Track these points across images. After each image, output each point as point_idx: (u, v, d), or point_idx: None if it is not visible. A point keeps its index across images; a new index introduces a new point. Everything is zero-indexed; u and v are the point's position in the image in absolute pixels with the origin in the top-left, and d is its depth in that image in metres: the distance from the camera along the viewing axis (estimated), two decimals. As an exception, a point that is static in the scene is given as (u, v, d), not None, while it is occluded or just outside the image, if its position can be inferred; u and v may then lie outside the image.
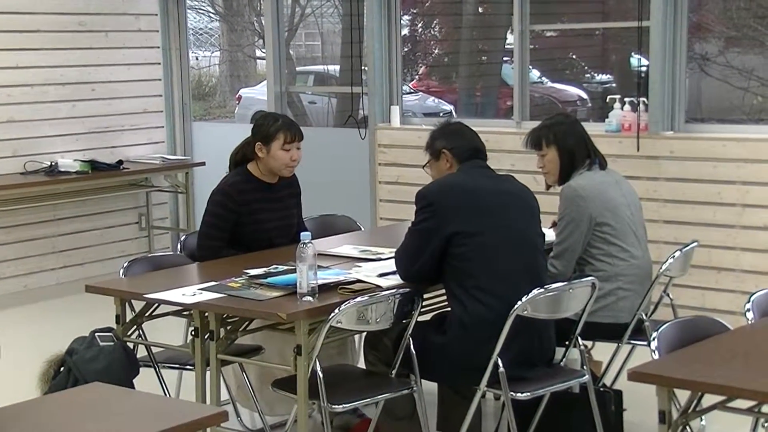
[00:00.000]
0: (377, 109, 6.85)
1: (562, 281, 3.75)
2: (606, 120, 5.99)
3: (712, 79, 6.75)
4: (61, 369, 3.69)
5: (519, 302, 3.56)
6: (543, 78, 8.40)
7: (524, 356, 3.69)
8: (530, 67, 6.59)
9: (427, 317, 3.99)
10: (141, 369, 3.83)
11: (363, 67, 7.03)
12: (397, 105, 6.86)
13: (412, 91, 8.57)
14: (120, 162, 7.08)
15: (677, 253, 4.21)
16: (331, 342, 3.76)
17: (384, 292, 3.60)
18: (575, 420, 3.92)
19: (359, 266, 4.02)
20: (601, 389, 4.02)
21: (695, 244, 4.42)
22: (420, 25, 8.83)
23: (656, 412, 2.89)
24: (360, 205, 6.82)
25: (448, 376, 3.81)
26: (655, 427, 2.95)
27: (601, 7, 8.06)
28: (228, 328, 3.74)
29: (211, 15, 10.44)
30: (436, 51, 9.25)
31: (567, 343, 3.87)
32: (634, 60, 6.74)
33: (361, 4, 6.97)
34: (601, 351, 4.35)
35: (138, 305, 3.94)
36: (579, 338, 3.88)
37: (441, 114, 8.21)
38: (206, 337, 3.70)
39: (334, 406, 3.53)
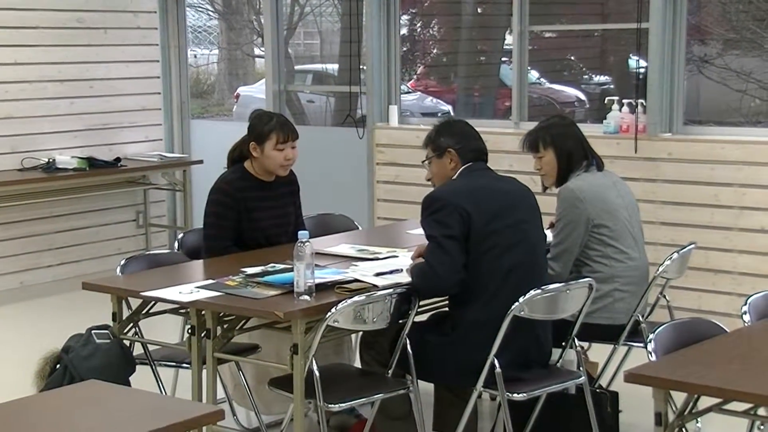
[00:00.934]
0: (375, 108, 6.85)
1: (559, 282, 3.75)
2: (604, 121, 5.99)
3: (711, 82, 6.74)
4: (58, 366, 3.69)
5: (516, 303, 3.56)
6: (541, 79, 8.39)
7: (522, 357, 3.69)
8: (529, 67, 6.59)
9: (424, 317, 4.00)
10: (137, 367, 3.83)
11: (361, 67, 7.03)
12: (396, 105, 6.86)
13: (410, 90, 8.56)
14: (118, 159, 7.07)
15: (674, 255, 4.22)
16: (327, 341, 3.76)
17: (381, 292, 3.60)
18: (571, 421, 3.92)
19: (356, 265, 4.02)
20: (598, 390, 4.02)
21: (692, 246, 4.42)
22: (419, 24, 8.82)
23: (652, 414, 2.89)
24: (358, 204, 6.81)
25: (445, 377, 3.81)
26: (650, 428, 2.95)
27: (600, 8, 8.06)
28: (225, 326, 3.74)
29: (210, 13, 10.43)
30: (435, 51, 9.25)
31: (563, 344, 3.87)
32: (633, 61, 6.74)
33: (360, 4, 6.97)
34: (598, 352, 4.35)
35: (135, 303, 3.93)
36: (575, 339, 3.88)
37: (439, 114, 8.20)
38: (203, 335, 3.70)
39: (330, 406, 3.53)
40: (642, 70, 5.96)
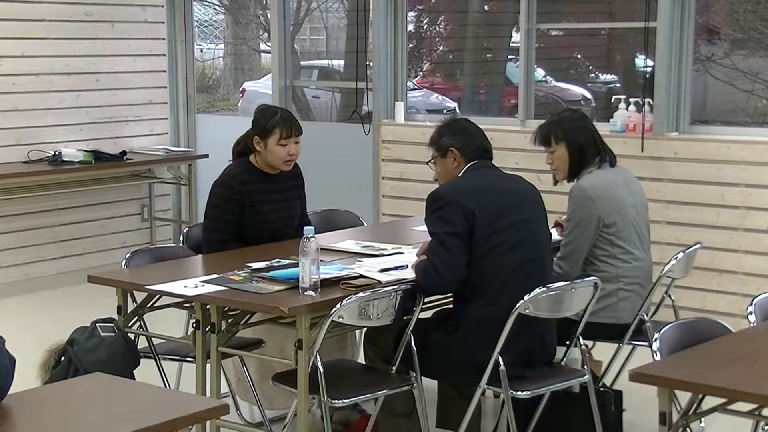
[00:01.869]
0: (381, 104, 6.85)
1: (567, 281, 3.74)
2: (611, 120, 5.99)
3: (718, 81, 6.73)
4: (62, 359, 3.69)
5: (521, 301, 3.56)
6: (547, 77, 8.38)
7: (526, 355, 3.69)
8: (535, 65, 6.58)
9: (429, 314, 3.99)
10: (141, 360, 3.83)
11: (368, 63, 7.02)
12: (402, 101, 6.85)
13: (416, 87, 8.55)
14: (123, 153, 7.07)
15: (680, 255, 4.20)
16: (331, 337, 3.76)
17: (386, 288, 3.60)
18: (575, 419, 3.92)
19: (361, 261, 4.02)
20: (601, 389, 4.02)
21: (698, 245, 4.41)
22: (425, 21, 8.82)
23: (656, 413, 2.89)
24: (363, 200, 6.81)
25: (449, 374, 3.81)
26: (654, 427, 2.95)
27: (607, 7, 8.05)
28: (229, 321, 3.74)
29: (216, 7, 10.42)
30: (441, 48, 9.24)
31: (568, 342, 3.87)
32: (640, 60, 6.73)
33: (366, 0, 6.96)
34: (602, 351, 4.35)
35: (140, 296, 3.94)
36: (580, 338, 3.88)
37: (444, 111, 8.20)
38: (207, 329, 3.70)
39: (334, 401, 3.53)
40: (649, 69, 5.95)
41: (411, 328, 3.69)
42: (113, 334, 3.71)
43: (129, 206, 7.45)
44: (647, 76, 5.99)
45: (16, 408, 2.51)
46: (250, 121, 4.45)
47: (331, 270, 3.79)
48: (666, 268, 4.15)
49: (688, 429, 3.00)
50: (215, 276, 3.78)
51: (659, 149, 5.77)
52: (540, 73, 7.79)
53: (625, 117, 5.91)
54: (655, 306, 4.35)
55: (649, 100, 5.83)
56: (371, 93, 6.95)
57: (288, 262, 3.90)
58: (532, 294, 3.57)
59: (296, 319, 3.49)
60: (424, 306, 3.76)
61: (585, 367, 3.85)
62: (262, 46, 10.25)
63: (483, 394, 3.75)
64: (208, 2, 10.23)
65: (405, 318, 3.69)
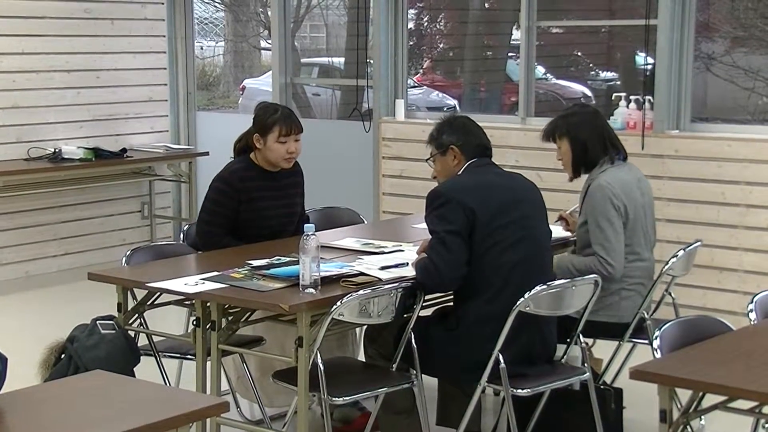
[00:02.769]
0: (382, 102, 6.85)
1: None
2: (611, 118, 5.98)
3: (718, 79, 6.73)
4: (62, 356, 3.69)
5: (522, 298, 3.55)
6: (548, 74, 8.38)
7: (526, 353, 3.68)
8: (535, 63, 6.58)
9: (429, 312, 3.99)
10: (142, 357, 3.82)
11: (368, 60, 7.02)
12: (402, 98, 6.85)
13: (416, 85, 8.55)
14: (124, 150, 7.07)
15: (680, 253, 4.20)
16: (331, 334, 3.76)
17: (386, 286, 3.60)
18: (575, 417, 3.92)
19: (362, 259, 4.02)
20: (602, 387, 4.01)
21: (698, 243, 4.41)
22: (426, 19, 8.81)
23: (656, 411, 2.89)
24: (363, 198, 6.81)
25: (449, 372, 3.80)
26: (654, 425, 2.95)
27: (608, 4, 8.04)
28: (229, 318, 3.74)
29: (216, 5, 10.42)
30: (442, 45, 9.24)
31: (568, 340, 3.87)
32: (640, 58, 6.73)
33: (367, -3, 6.96)
34: (602, 349, 4.35)
35: (140, 294, 3.94)
36: (580, 336, 3.88)
37: (445, 108, 8.19)
38: (207, 327, 3.70)
39: (334, 399, 3.53)
40: (649, 67, 5.94)
41: (411, 326, 3.69)
42: (113, 331, 3.70)
43: (129, 204, 7.45)
44: (648, 73, 5.98)
45: (16, 405, 2.51)
46: (251, 119, 4.45)
47: (331, 267, 3.78)
48: (666, 266, 4.14)
49: (688, 427, 2.99)
50: (215, 273, 3.78)
51: (660, 147, 5.77)
52: (540, 70, 7.79)
53: (625, 114, 5.91)
54: (656, 304, 4.35)
55: (650, 97, 5.83)
56: (371, 90, 6.95)
57: (288, 259, 3.90)
58: (533, 292, 3.57)
59: (297, 316, 3.49)
60: (424, 304, 3.76)
61: (585, 364, 3.85)
62: (263, 44, 10.25)
63: (483, 391, 3.75)
64: (208, -1, 10.23)
65: (405, 316, 3.69)
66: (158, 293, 3.86)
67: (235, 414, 4.28)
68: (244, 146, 4.46)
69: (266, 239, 4.35)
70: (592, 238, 4.01)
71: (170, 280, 3.74)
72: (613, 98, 6.09)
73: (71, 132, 7.03)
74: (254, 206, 4.36)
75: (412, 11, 7.88)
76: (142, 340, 3.99)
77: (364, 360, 4.06)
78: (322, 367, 3.48)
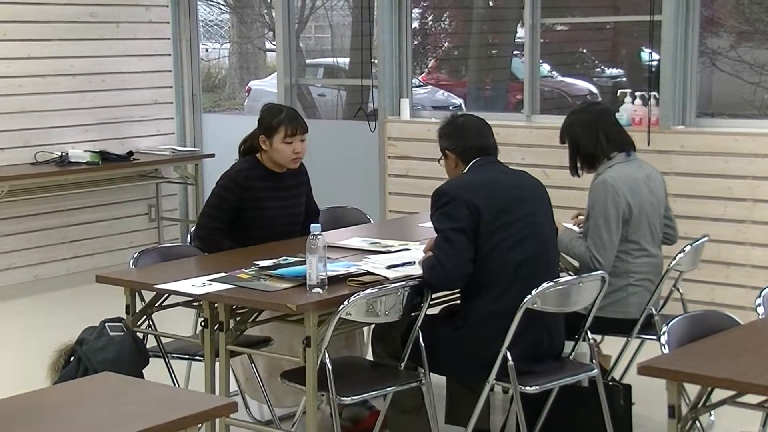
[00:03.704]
0: (387, 101, 6.85)
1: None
2: (617, 114, 5.96)
3: (724, 74, 6.72)
4: (71, 359, 3.70)
5: (528, 296, 3.55)
6: (553, 72, 8.38)
7: (534, 350, 3.68)
8: (540, 60, 6.57)
9: (436, 310, 3.99)
10: (150, 359, 3.84)
11: (373, 60, 7.02)
12: (407, 98, 6.85)
13: (421, 84, 8.55)
14: (130, 153, 7.09)
15: (687, 248, 4.20)
16: (339, 334, 3.77)
17: (393, 285, 3.60)
18: (584, 414, 3.92)
19: (368, 258, 4.02)
20: (610, 383, 4.01)
21: (705, 238, 4.41)
22: (430, 18, 8.82)
23: (665, 407, 2.88)
24: (369, 197, 6.81)
25: (457, 370, 3.81)
26: (663, 421, 2.95)
27: (612, 0, 8.04)
28: (237, 319, 3.75)
29: (221, 7, 10.44)
30: (446, 44, 9.24)
31: (576, 336, 3.87)
32: (645, 54, 6.72)
33: (371, -3, 6.97)
34: (610, 345, 4.35)
35: (148, 296, 3.94)
36: (588, 332, 3.88)
37: (450, 107, 8.19)
38: (216, 328, 3.70)
39: (342, 398, 3.53)
40: (654, 63, 5.93)
41: (419, 324, 3.69)
42: (122, 333, 3.72)
43: (136, 206, 7.46)
44: (653, 69, 5.97)
45: (25, 408, 2.52)
46: (256, 120, 4.46)
47: (338, 267, 3.79)
48: (674, 262, 4.14)
49: (697, 422, 2.99)
50: (223, 274, 3.79)
51: (665, 142, 5.76)
52: (545, 68, 7.79)
53: (631, 111, 5.90)
54: (664, 299, 4.34)
55: (655, 93, 5.82)
56: (377, 90, 6.95)
57: (295, 259, 3.91)
58: (540, 288, 3.57)
59: (304, 316, 3.49)
60: (431, 302, 3.76)
61: (593, 361, 3.85)
62: (268, 45, 10.26)
63: (492, 389, 3.75)
64: (213, 2, 10.24)
65: (413, 314, 3.69)
66: (166, 295, 3.87)
67: (244, 414, 4.29)
68: (248, 148, 4.47)
69: (272, 240, 4.36)
70: (588, 231, 4.05)
71: (178, 282, 3.75)
72: (618, 95, 6.08)
73: (78, 136, 7.05)
74: (260, 206, 4.37)
75: (416, 10, 7.89)
76: (151, 342, 4.00)
77: (372, 359, 4.06)
78: (330, 367, 3.48)
